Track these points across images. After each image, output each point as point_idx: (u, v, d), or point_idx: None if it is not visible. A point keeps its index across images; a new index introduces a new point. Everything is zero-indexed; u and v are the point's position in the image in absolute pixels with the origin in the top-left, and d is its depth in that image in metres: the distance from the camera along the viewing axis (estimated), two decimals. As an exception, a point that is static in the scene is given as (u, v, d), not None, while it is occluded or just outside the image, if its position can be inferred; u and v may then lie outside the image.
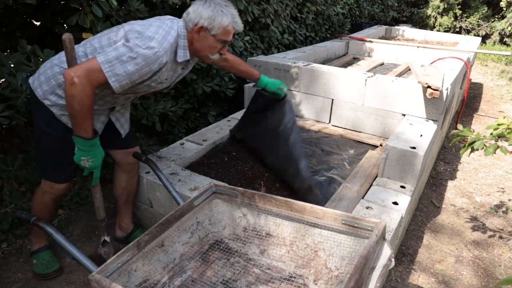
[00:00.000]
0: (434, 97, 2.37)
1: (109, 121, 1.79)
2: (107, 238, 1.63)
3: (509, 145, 1.67)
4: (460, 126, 1.84)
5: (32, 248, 1.94)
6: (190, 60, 1.68)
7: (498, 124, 1.71)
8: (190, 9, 1.56)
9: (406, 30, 5.80)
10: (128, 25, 1.53)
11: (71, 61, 1.40)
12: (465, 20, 9.39)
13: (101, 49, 1.51)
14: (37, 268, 1.89)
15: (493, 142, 1.70)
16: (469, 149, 1.78)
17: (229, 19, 1.54)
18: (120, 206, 2.08)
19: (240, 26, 1.60)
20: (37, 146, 1.69)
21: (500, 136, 1.69)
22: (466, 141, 1.81)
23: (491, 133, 1.73)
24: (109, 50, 1.44)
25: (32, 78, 1.61)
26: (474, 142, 1.73)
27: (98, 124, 1.72)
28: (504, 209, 2.68)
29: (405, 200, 1.96)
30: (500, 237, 2.37)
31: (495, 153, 1.68)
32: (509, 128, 1.66)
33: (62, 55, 1.56)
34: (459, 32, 9.19)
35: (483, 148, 1.72)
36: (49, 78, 1.55)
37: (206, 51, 1.62)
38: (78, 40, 2.23)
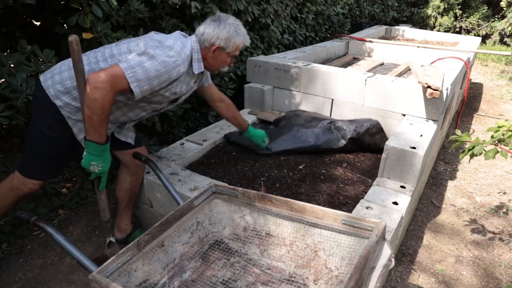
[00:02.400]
0: (434, 97, 2.37)
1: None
2: (113, 239, 1.63)
3: (510, 149, 1.66)
4: (458, 131, 1.83)
5: None
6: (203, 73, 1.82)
7: (499, 127, 1.71)
8: (204, 29, 1.66)
9: (406, 30, 5.80)
10: (148, 36, 1.63)
11: (78, 63, 1.36)
12: (465, 20, 9.39)
13: (120, 56, 1.57)
14: None
15: (492, 146, 1.69)
16: (469, 155, 1.76)
17: (241, 38, 1.71)
18: (121, 207, 2.08)
19: (248, 41, 1.77)
20: (28, 143, 1.67)
21: (500, 141, 1.68)
22: (466, 143, 1.80)
23: (492, 136, 1.72)
24: (130, 57, 1.51)
25: (44, 77, 1.60)
26: (474, 147, 1.72)
27: None
28: (504, 209, 2.68)
29: (405, 200, 1.96)
30: (500, 237, 2.37)
31: (494, 157, 1.67)
32: (510, 131, 1.65)
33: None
34: (459, 32, 9.18)
35: (482, 153, 1.71)
36: (66, 79, 1.57)
37: (219, 66, 1.78)
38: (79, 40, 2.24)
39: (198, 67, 1.70)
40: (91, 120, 1.42)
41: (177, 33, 1.69)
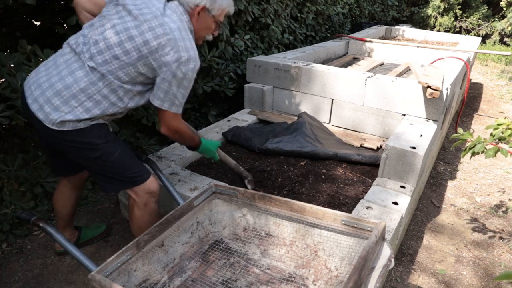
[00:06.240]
0: (434, 97, 2.37)
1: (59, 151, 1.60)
2: (250, 177, 2.11)
3: (510, 148, 1.66)
4: (460, 130, 1.84)
5: None
6: None
7: (498, 124, 1.71)
8: None
9: (406, 30, 5.80)
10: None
11: None
12: (465, 20, 9.38)
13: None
14: None
15: (493, 145, 1.69)
16: (470, 153, 1.76)
17: (227, 2, 1.59)
18: (66, 221, 1.96)
19: (233, 10, 1.67)
20: (105, 163, 1.53)
21: (501, 139, 1.68)
22: (467, 142, 1.81)
23: (491, 134, 1.72)
24: (171, 95, 1.50)
25: (45, 115, 1.40)
26: (475, 145, 1.73)
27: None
28: (504, 209, 2.68)
29: (405, 200, 1.96)
30: (500, 237, 2.37)
31: (495, 156, 1.67)
32: (509, 128, 1.65)
33: (65, 67, 1.43)
34: (459, 32, 9.18)
35: (483, 151, 1.71)
36: (85, 95, 1.41)
37: (203, 32, 1.61)
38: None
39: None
40: (185, 144, 1.76)
41: (176, 22, 1.45)
